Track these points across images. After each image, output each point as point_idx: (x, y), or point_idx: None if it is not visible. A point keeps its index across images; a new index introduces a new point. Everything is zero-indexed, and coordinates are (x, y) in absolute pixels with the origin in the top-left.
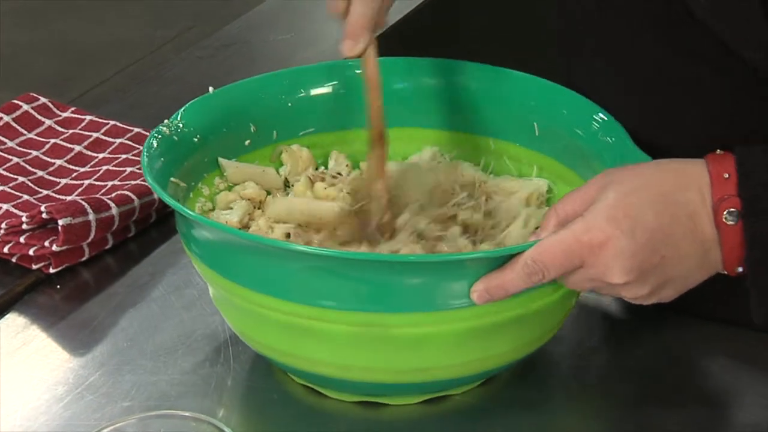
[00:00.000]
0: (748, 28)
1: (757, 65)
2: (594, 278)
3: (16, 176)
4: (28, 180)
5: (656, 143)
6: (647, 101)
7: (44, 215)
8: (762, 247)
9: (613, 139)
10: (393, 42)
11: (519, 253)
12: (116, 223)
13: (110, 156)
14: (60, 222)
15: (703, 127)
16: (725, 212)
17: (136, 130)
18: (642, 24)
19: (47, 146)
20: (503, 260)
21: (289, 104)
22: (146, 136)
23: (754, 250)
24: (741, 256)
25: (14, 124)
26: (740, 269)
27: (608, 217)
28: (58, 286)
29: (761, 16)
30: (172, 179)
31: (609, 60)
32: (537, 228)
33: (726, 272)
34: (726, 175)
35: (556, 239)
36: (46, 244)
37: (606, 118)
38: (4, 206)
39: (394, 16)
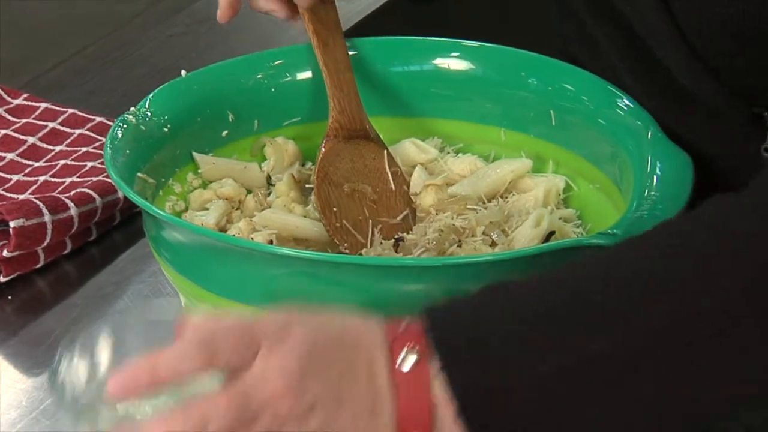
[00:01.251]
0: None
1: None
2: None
3: None
4: None
5: None
6: None
7: None
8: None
9: (640, 128)
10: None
11: (532, 256)
12: (75, 225)
13: (68, 149)
14: (11, 224)
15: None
16: (401, 354)
17: (98, 119)
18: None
19: None
20: (511, 263)
21: (273, 90)
22: (109, 125)
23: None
24: (420, 418)
25: None
26: None
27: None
28: (10, 297)
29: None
30: (138, 175)
31: None
32: (552, 233)
33: None
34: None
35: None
36: None
37: (632, 105)
38: None
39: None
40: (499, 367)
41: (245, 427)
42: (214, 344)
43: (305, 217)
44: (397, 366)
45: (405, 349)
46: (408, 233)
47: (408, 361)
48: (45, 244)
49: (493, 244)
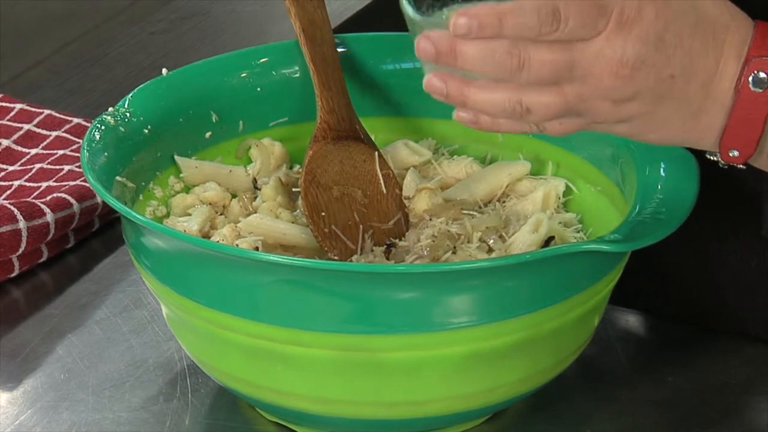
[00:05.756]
0: None
1: None
2: (597, 56)
3: None
4: None
5: None
6: None
7: None
8: None
9: None
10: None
11: (530, 262)
12: (52, 231)
13: (44, 152)
14: None
15: None
16: (753, 74)
17: (76, 120)
18: None
19: None
20: (508, 269)
21: (259, 89)
22: (87, 127)
23: None
24: (746, 137)
25: None
26: (735, 153)
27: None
28: None
29: None
30: (117, 178)
31: None
32: (551, 238)
33: (710, 150)
34: None
35: None
36: None
37: None
38: None
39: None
40: None
41: (558, 82)
42: (562, 10)
43: (293, 222)
44: (743, 81)
45: (761, 69)
46: (400, 239)
47: (760, 82)
48: (20, 252)
49: (490, 250)
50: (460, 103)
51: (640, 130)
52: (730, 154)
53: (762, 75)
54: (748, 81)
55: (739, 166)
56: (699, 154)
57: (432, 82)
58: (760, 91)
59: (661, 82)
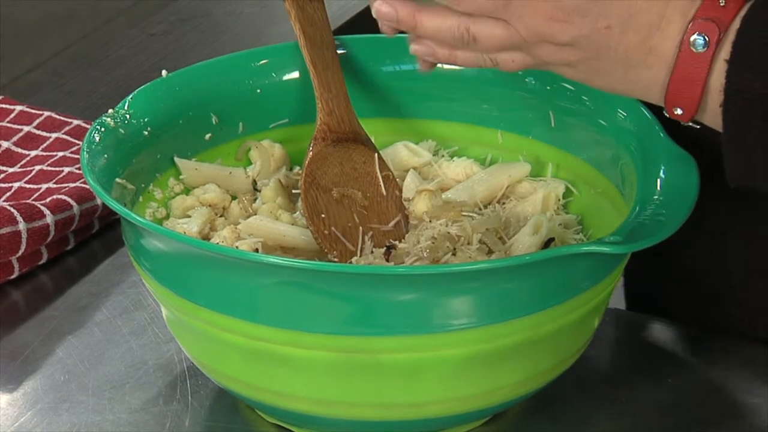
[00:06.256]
0: None
1: None
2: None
3: None
4: None
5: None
6: None
7: None
8: (744, 100)
9: (643, 130)
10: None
11: (530, 264)
12: (52, 233)
13: (44, 154)
14: None
15: None
16: (695, 34)
17: (75, 122)
18: None
19: None
20: (511, 271)
21: (258, 91)
22: (87, 129)
23: (734, 100)
24: (688, 96)
25: None
26: (678, 111)
27: None
28: None
29: None
30: (117, 180)
31: None
32: (551, 239)
33: (657, 104)
34: (721, 2)
35: None
36: None
37: (634, 105)
38: None
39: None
40: None
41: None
42: None
43: (293, 224)
44: (685, 40)
45: (704, 31)
46: (400, 241)
47: (698, 43)
48: (19, 253)
49: (490, 252)
50: (411, 28)
51: (586, 76)
52: (675, 112)
53: (703, 37)
54: (689, 41)
55: (688, 124)
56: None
57: (382, 8)
58: (701, 51)
59: (597, 31)
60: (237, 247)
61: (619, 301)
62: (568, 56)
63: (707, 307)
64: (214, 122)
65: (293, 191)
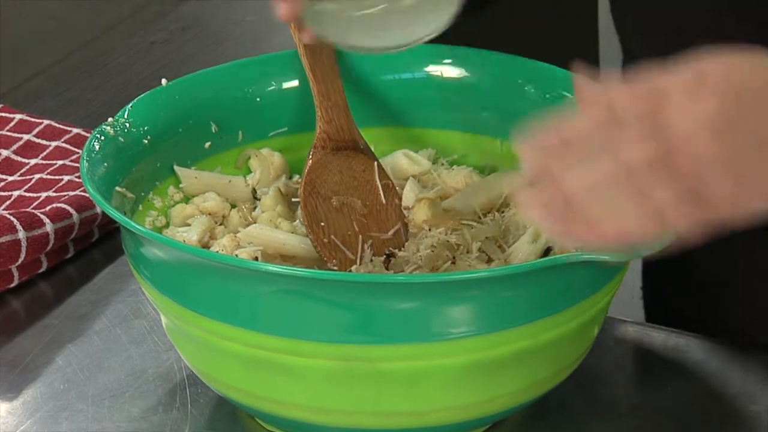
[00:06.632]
0: None
1: None
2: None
3: None
4: None
5: None
6: None
7: None
8: None
9: None
10: None
11: (529, 272)
12: (51, 242)
13: (44, 162)
14: None
15: None
16: None
17: (75, 130)
18: None
19: None
20: (510, 279)
21: (258, 99)
22: (86, 137)
23: None
24: None
25: None
26: None
27: (695, 69)
28: None
29: None
30: (117, 189)
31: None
32: (550, 248)
33: None
34: None
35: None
36: None
37: None
38: None
39: None
40: None
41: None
42: (619, 120)
43: (292, 232)
44: None
45: None
46: (399, 249)
47: None
48: (19, 262)
49: (489, 260)
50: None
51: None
52: None
53: None
54: None
55: None
56: None
57: (528, 155)
58: None
59: (744, 133)
60: (237, 255)
61: (618, 310)
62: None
63: (709, 308)
64: (213, 131)
65: (293, 200)
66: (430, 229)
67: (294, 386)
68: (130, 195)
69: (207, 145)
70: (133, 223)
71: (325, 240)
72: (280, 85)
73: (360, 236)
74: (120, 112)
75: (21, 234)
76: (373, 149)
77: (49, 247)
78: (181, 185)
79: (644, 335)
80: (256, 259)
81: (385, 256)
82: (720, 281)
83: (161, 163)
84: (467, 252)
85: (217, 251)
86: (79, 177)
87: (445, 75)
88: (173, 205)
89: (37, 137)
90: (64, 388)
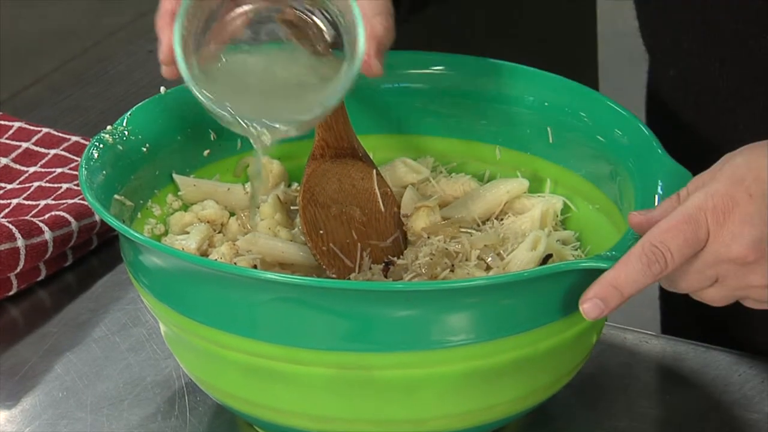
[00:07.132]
0: None
1: None
2: (718, 259)
3: None
4: None
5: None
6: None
7: None
8: None
9: (641, 146)
10: None
11: (528, 280)
12: (50, 250)
13: (43, 170)
14: None
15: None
16: None
17: (74, 138)
18: None
19: None
20: (509, 287)
21: None
22: (85, 145)
23: None
24: None
25: None
26: None
27: (734, 180)
28: None
29: None
30: (116, 197)
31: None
32: (549, 256)
33: None
34: None
35: (676, 214)
36: None
37: (632, 121)
38: None
39: None
40: None
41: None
42: (667, 255)
43: (291, 240)
44: None
45: None
46: (398, 257)
47: None
48: (18, 270)
49: (488, 268)
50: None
51: None
52: None
53: None
54: None
55: None
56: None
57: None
58: None
59: None
60: (235, 263)
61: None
62: None
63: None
64: (212, 138)
65: (292, 207)
66: (428, 237)
67: (292, 394)
68: (128, 203)
69: (206, 153)
70: (132, 231)
71: (324, 248)
72: None
73: (359, 244)
74: (119, 120)
75: (20, 242)
76: (371, 157)
77: (47, 255)
78: (179, 193)
79: (643, 343)
80: (255, 267)
81: (383, 264)
82: None
83: (160, 171)
84: (466, 260)
85: (216, 259)
86: (77, 185)
87: (444, 83)
88: (172, 213)
89: (36, 145)
90: (63, 396)
